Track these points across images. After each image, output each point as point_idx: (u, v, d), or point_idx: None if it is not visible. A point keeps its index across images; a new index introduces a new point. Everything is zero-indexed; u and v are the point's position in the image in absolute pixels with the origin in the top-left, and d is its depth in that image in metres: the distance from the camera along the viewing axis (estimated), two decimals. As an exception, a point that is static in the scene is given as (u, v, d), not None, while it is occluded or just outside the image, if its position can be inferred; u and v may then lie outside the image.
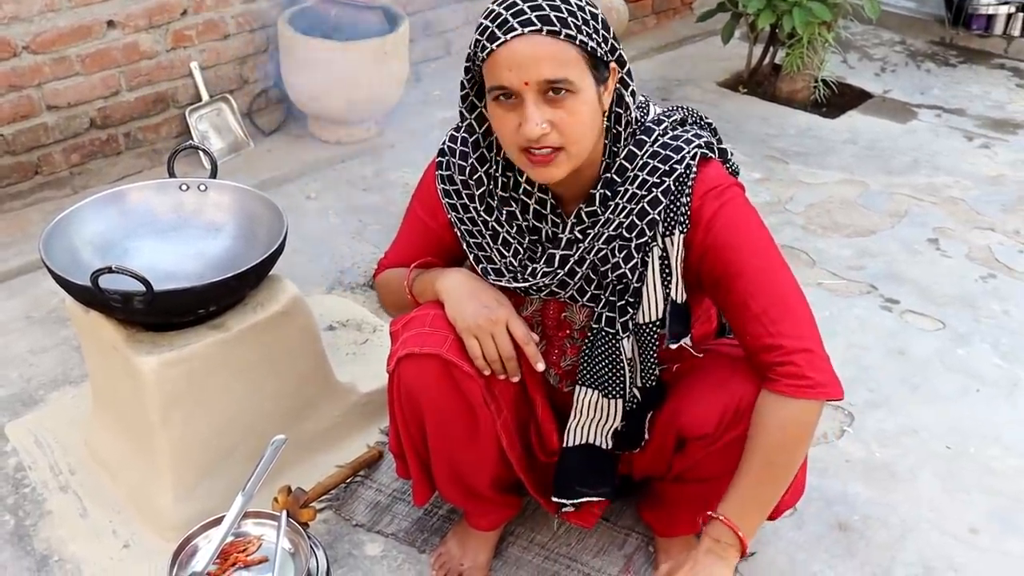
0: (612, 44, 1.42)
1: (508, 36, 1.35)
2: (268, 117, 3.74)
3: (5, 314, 2.73)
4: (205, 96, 3.48)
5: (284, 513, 1.82)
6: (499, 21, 1.36)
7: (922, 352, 2.60)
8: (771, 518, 1.83)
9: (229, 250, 2.04)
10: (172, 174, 2.09)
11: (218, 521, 1.79)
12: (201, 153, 3.36)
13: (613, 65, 1.43)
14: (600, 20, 1.40)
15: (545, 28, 1.34)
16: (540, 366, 1.60)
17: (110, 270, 1.69)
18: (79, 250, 1.95)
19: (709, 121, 1.62)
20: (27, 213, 3.15)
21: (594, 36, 1.38)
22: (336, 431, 2.17)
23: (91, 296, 1.77)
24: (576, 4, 1.37)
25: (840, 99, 4.23)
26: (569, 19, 1.35)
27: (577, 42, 1.35)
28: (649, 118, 1.52)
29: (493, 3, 1.40)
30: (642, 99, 1.54)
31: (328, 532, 1.99)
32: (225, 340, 1.89)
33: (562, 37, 1.35)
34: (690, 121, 1.58)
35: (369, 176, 3.51)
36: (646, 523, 1.93)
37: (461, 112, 1.52)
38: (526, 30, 1.34)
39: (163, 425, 1.89)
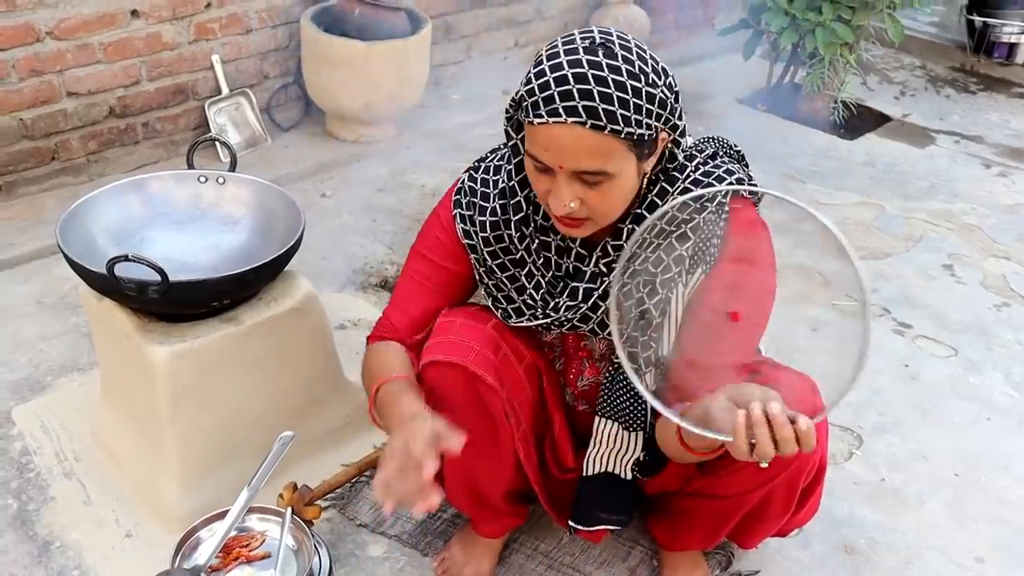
0: (667, 116, 1.35)
1: (550, 120, 1.29)
2: (287, 113, 3.75)
3: (17, 298, 2.73)
4: (225, 90, 3.48)
5: (289, 510, 1.81)
6: (544, 95, 1.29)
7: (933, 378, 2.59)
8: (781, 534, 1.83)
9: (245, 244, 2.03)
10: (191, 165, 2.09)
11: (222, 515, 1.79)
12: (220, 146, 3.38)
13: (663, 135, 1.37)
14: (657, 88, 1.31)
15: (590, 121, 1.27)
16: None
17: (126, 258, 1.69)
18: (95, 237, 1.95)
19: (739, 150, 1.61)
20: (42, 198, 3.16)
21: (643, 120, 1.30)
22: (344, 430, 2.17)
23: (106, 284, 1.77)
24: (630, 78, 1.28)
25: (859, 121, 4.23)
26: (618, 110, 1.27)
27: (623, 135, 1.29)
28: (682, 153, 1.47)
29: (545, 54, 1.33)
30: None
31: (332, 531, 1.98)
32: (238, 334, 1.88)
33: (606, 132, 1.28)
34: (721, 154, 1.56)
35: (385, 176, 3.51)
36: (653, 537, 1.92)
37: (506, 131, 1.45)
38: (569, 120, 1.27)
39: (172, 416, 1.88)
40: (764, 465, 1.28)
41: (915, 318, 2.84)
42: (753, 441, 1.26)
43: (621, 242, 1.48)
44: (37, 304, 2.71)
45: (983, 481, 2.24)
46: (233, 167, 2.10)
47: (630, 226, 1.47)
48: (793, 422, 1.26)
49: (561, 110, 1.28)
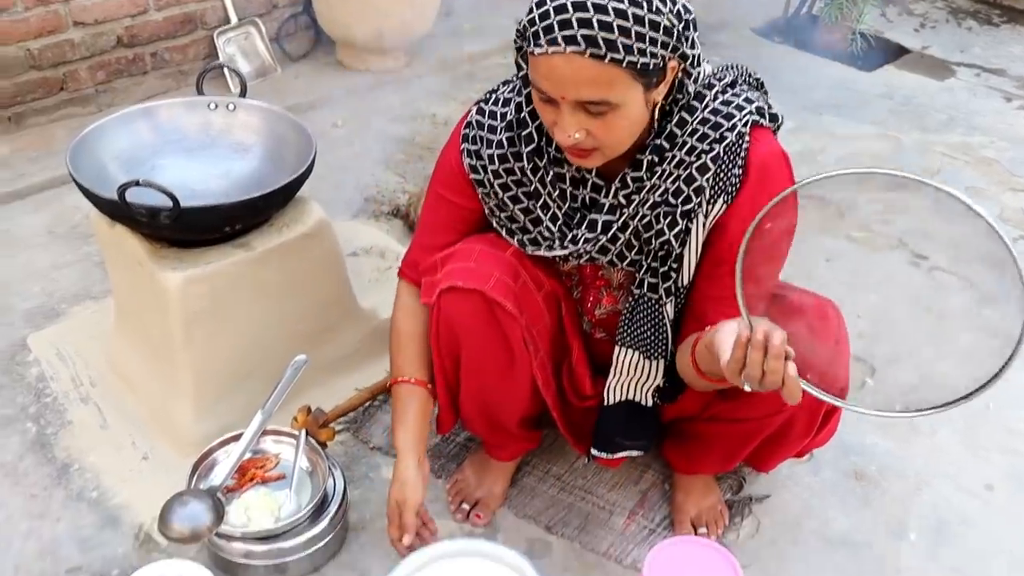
0: (675, 44, 1.30)
1: (549, 49, 1.26)
2: (296, 43, 3.70)
3: (28, 228, 2.74)
4: (234, 19, 3.44)
5: (303, 432, 1.82)
6: (544, 25, 1.26)
7: (948, 310, 2.58)
8: (798, 455, 1.83)
9: (256, 171, 2.03)
10: (201, 92, 2.07)
11: (237, 437, 1.81)
12: (230, 74, 3.35)
13: (672, 64, 1.33)
14: (662, 15, 1.26)
15: (589, 50, 1.24)
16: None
17: (137, 184, 1.68)
18: (106, 165, 1.94)
19: (758, 78, 1.56)
20: (51, 129, 3.15)
21: (648, 49, 1.26)
22: (356, 356, 2.17)
23: (117, 210, 1.76)
24: (631, 5, 1.24)
25: (877, 53, 4.15)
26: (618, 38, 1.23)
27: (624, 64, 1.25)
28: (700, 81, 1.44)
29: None
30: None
31: (345, 454, 2.00)
32: (250, 260, 1.88)
33: (607, 61, 1.25)
34: (740, 82, 1.51)
35: (397, 106, 3.48)
36: (667, 460, 1.93)
37: (517, 62, 1.42)
38: (567, 49, 1.24)
39: (185, 342, 1.89)
40: (747, 389, 1.27)
41: (931, 250, 2.82)
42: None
43: (641, 173, 1.45)
44: (49, 234, 2.71)
45: (995, 411, 2.24)
46: (243, 94, 2.08)
47: (650, 156, 1.44)
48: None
49: (560, 39, 1.25)
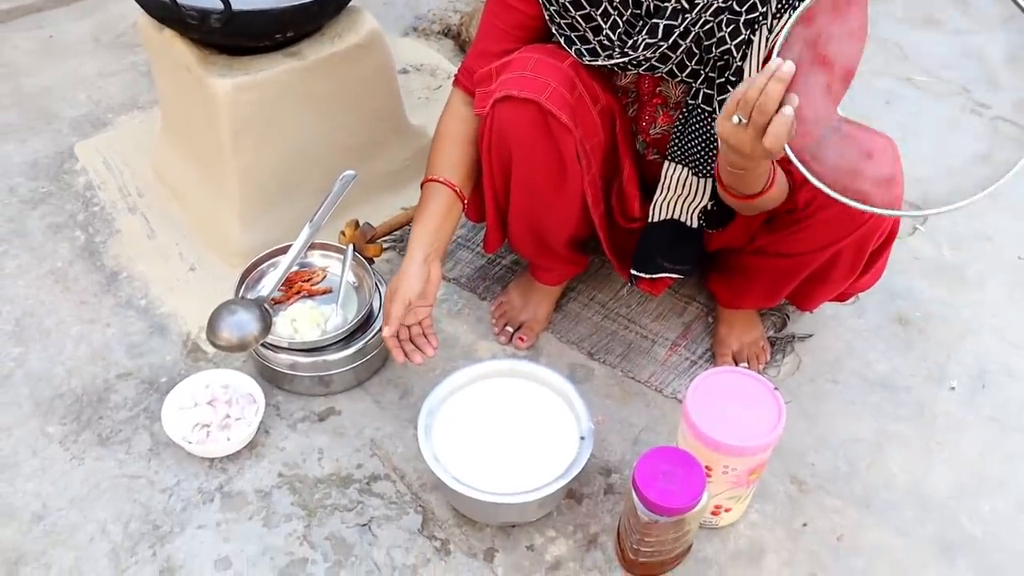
0: None
1: None
2: None
3: (74, 36, 2.70)
4: None
5: (351, 247, 1.82)
6: None
7: (1007, 161, 2.49)
8: (841, 299, 1.82)
9: (308, -21, 1.96)
10: None
11: (284, 250, 1.81)
12: None
13: None
14: None
15: None
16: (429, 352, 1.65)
17: (187, -16, 1.64)
18: (154, -35, 1.88)
19: None
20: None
21: None
22: (404, 173, 2.15)
23: (167, 12, 1.72)
24: None
25: None
26: None
27: None
28: None
29: None
30: None
31: (390, 271, 2.00)
32: (301, 68, 1.84)
33: None
34: None
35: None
36: (711, 293, 1.92)
37: None
38: None
39: (234, 151, 1.87)
40: (735, 121, 1.21)
41: (995, 100, 2.71)
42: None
43: None
44: (95, 42, 2.68)
45: (1047, 265, 2.20)
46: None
47: None
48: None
49: None
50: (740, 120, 1.20)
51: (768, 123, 1.17)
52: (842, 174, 1.23)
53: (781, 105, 1.16)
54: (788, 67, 1.15)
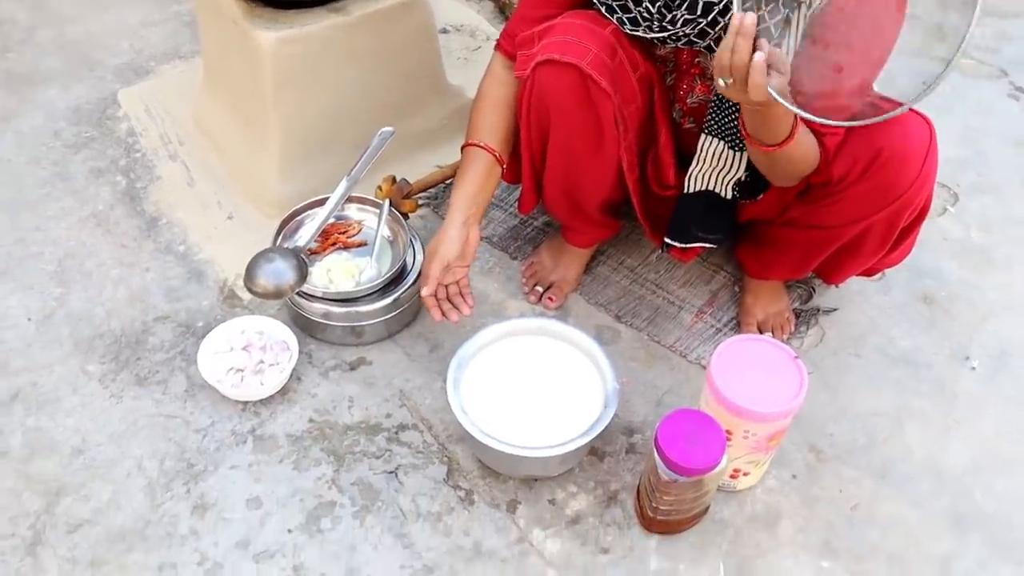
0: None
1: None
2: None
3: (117, -17, 2.72)
4: None
5: (387, 201, 1.85)
6: None
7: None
8: (868, 274, 1.84)
9: (354, -65, 1.98)
10: None
11: (322, 202, 1.84)
12: None
13: None
14: None
15: None
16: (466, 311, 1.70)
17: (237, -67, 1.66)
18: (202, -85, 1.91)
19: None
20: None
21: None
22: (441, 132, 2.18)
23: (215, -38, 1.75)
24: None
25: None
26: None
27: None
28: None
29: None
30: None
31: (424, 228, 2.04)
32: (345, 24, 1.87)
33: None
34: None
35: None
36: (740, 262, 1.94)
37: None
38: None
39: (275, 103, 1.90)
40: (721, 83, 1.28)
41: (1034, 83, 2.71)
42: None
43: None
44: (137, -10, 2.70)
45: (1076, 254, 2.20)
46: None
47: None
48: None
49: None
50: (725, 82, 1.27)
51: (747, 76, 1.23)
52: (824, 98, 1.30)
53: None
54: (749, 19, 1.22)
